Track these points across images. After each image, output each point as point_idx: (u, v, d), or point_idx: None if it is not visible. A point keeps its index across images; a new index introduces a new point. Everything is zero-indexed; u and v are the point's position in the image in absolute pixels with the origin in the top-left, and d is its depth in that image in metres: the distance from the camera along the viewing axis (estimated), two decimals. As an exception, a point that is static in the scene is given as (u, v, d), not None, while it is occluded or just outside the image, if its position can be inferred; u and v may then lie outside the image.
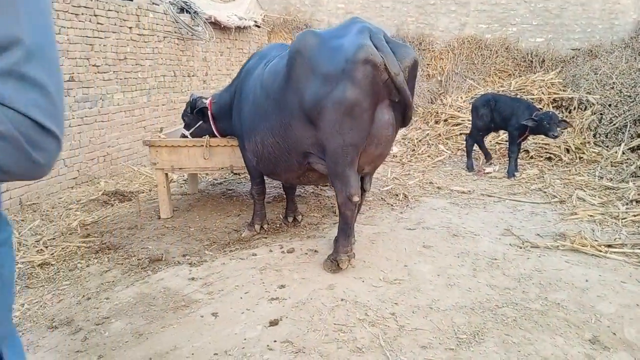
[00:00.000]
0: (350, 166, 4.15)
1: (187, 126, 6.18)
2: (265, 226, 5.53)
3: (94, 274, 4.58)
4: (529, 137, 7.95)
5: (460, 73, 15.95)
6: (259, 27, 15.23)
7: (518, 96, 9.79)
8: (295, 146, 4.40)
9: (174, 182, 8.32)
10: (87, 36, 8.11)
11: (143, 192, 7.89)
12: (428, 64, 16.14)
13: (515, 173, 7.76)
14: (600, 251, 4.83)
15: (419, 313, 3.66)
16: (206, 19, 11.93)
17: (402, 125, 4.37)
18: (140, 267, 4.71)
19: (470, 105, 8.78)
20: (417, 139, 9.83)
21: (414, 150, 9.45)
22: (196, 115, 6.00)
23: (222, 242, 5.28)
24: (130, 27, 9.20)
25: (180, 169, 6.16)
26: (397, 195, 6.98)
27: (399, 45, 4.13)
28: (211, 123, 5.90)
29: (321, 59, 4.10)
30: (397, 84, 3.92)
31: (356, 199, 4.20)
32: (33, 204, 7.01)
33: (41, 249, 5.33)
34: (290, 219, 5.77)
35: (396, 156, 9.28)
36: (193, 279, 4.24)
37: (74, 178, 7.97)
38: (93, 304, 3.93)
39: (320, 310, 3.68)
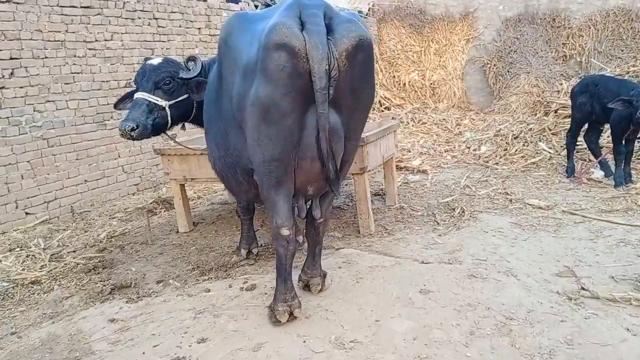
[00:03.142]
0: (276, 188, 3.16)
1: (167, 93, 4.41)
2: (255, 250, 4.71)
3: (52, 300, 4.21)
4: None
5: (605, 52, 13.29)
6: (365, 17, 14.28)
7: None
8: (237, 161, 3.52)
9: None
10: (145, 40, 8.00)
11: (200, 199, 7.60)
12: (564, 43, 13.69)
13: (627, 181, 5.85)
14: (697, 313, 3.17)
15: (340, 403, 2.58)
16: (294, 13, 11.36)
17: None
18: (102, 294, 4.24)
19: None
20: (513, 135, 8.13)
21: (506, 149, 7.81)
22: (187, 85, 4.45)
23: (206, 267, 4.60)
24: (198, 28, 8.97)
25: (192, 179, 5.63)
26: (453, 209, 5.66)
27: (342, 21, 3.02)
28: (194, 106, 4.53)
29: (242, 47, 3.19)
30: (314, 79, 2.83)
31: (285, 232, 3.19)
32: (85, 211, 7.05)
33: (45, 264, 5.17)
34: (290, 241, 4.86)
35: (480, 157, 7.75)
36: (114, 320, 3.61)
37: (135, 184, 7.94)
38: (5, 343, 3.51)
39: (215, 383, 2.80)
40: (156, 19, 8.17)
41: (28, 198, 6.43)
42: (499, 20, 14.24)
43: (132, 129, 4.23)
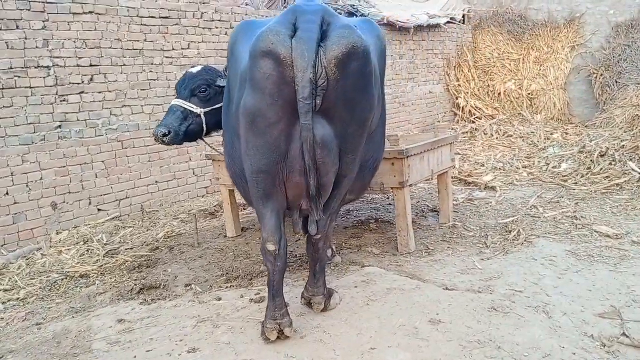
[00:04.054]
0: (264, 201, 3.07)
1: (203, 100, 4.49)
2: (284, 261, 4.62)
3: (85, 295, 4.44)
4: None
5: None
6: (460, 23, 13.70)
7: None
8: (242, 169, 3.46)
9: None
10: (222, 49, 8.28)
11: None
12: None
13: None
14: None
15: None
16: (378, 22, 11.17)
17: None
18: (131, 293, 4.40)
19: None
20: (600, 152, 7.29)
21: (589, 168, 7.02)
22: (223, 93, 4.28)
23: (234, 274, 4.62)
24: (275, 37, 9.11)
25: (239, 186, 5.69)
26: (509, 232, 5.19)
27: (337, 27, 2.86)
28: None
29: (242, 55, 3.15)
30: (297, 87, 2.70)
31: (271, 247, 3.08)
32: (153, 211, 7.43)
33: (99, 260, 5.49)
34: (320, 255, 4.71)
35: (558, 176, 7.05)
36: (122, 321, 3.71)
37: (205, 187, 8.24)
38: (26, 333, 3.73)
39: (183, 396, 2.75)
40: (233, 28, 8.43)
41: (101, 196, 6.89)
42: (609, 26, 12.98)
43: (164, 135, 4.42)
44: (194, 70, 4.65)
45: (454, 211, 6.04)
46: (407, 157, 4.68)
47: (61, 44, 6.35)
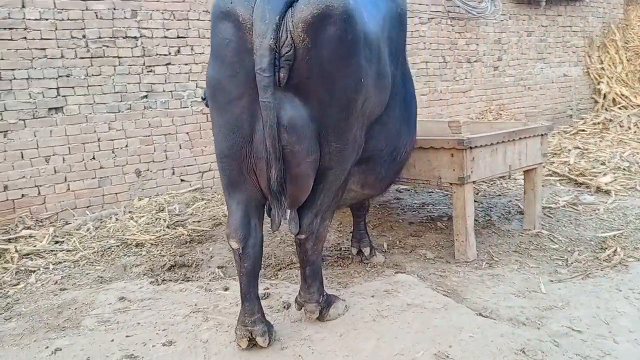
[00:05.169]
0: (230, 190, 2.68)
1: None
2: (315, 255, 4.19)
3: (121, 265, 4.45)
4: None
5: None
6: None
7: None
8: None
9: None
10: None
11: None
12: None
13: None
14: None
15: None
16: (501, -7, 9.96)
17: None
18: (162, 268, 4.32)
19: None
20: None
21: None
22: None
23: (266, 262, 4.30)
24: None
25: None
26: (603, 249, 4.22)
27: None
28: None
29: None
30: (254, 56, 2.23)
31: (234, 244, 2.67)
32: (236, 185, 7.40)
33: (161, 229, 5.56)
34: (355, 251, 4.20)
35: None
36: (123, 298, 3.57)
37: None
38: (43, 297, 3.77)
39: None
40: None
41: (184, 166, 6.99)
42: None
43: (202, 98, 4.43)
44: None
45: (548, 216, 5.14)
46: (471, 149, 3.96)
47: (149, 15, 6.46)
